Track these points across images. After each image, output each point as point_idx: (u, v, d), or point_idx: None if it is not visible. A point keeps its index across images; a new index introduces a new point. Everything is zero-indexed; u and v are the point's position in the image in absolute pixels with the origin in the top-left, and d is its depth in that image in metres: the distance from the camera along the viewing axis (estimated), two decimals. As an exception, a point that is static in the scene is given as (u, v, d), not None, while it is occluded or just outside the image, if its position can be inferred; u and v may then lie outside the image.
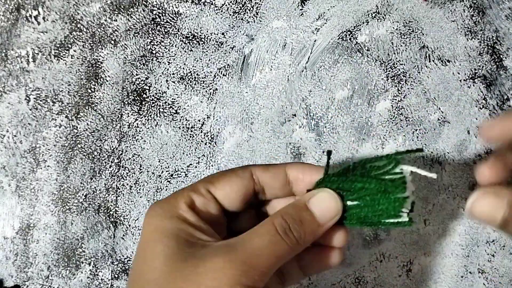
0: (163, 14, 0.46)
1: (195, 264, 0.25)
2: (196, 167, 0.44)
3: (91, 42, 0.46)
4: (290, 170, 0.31)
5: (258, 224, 0.28)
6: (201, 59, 0.45)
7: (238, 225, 0.32)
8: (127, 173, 0.44)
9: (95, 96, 0.45)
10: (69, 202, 0.44)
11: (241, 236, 0.27)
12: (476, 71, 0.43)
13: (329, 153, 0.31)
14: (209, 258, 0.25)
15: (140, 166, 0.44)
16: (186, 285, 0.25)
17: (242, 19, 0.45)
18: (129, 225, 0.43)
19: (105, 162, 0.44)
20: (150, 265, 0.26)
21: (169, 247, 0.26)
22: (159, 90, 0.45)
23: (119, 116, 0.45)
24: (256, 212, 0.33)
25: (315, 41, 0.45)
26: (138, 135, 0.44)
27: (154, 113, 0.45)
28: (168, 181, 0.44)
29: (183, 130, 0.44)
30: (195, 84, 0.45)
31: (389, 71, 0.44)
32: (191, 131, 0.44)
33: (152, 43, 0.45)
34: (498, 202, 0.27)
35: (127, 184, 0.44)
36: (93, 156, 0.44)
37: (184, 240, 0.27)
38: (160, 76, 0.45)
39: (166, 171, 0.44)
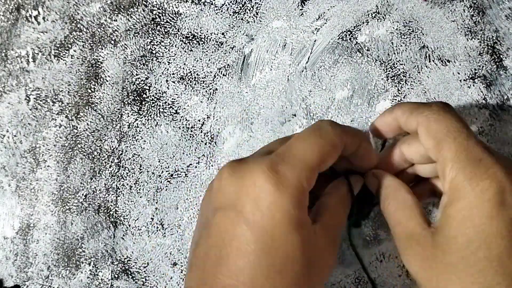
0: (163, 14, 0.46)
1: (319, 257, 0.30)
2: (196, 167, 0.44)
3: (91, 42, 0.46)
4: (362, 150, 0.34)
5: (331, 206, 0.33)
6: (201, 59, 0.45)
7: None
8: (127, 173, 0.44)
9: (95, 96, 0.45)
10: (69, 202, 0.44)
11: (328, 223, 0.32)
12: (476, 71, 0.43)
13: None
14: (322, 251, 0.31)
15: (140, 166, 0.44)
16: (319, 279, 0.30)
17: (242, 19, 0.45)
18: (129, 225, 0.43)
19: (105, 162, 0.44)
20: (292, 257, 0.29)
21: (303, 240, 0.29)
22: (159, 90, 0.45)
23: (119, 116, 0.45)
24: None
25: (315, 41, 0.45)
26: (138, 135, 0.44)
27: (154, 113, 0.45)
28: (168, 181, 0.44)
29: (183, 130, 0.44)
30: (195, 84, 0.45)
31: (389, 71, 0.44)
32: (191, 131, 0.44)
33: (152, 43, 0.45)
34: (374, 179, 0.36)
35: (127, 184, 0.44)
36: (93, 156, 0.44)
37: (308, 230, 0.30)
38: (160, 76, 0.45)
39: (166, 171, 0.44)
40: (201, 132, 0.44)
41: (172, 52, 0.45)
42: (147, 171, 0.44)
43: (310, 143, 0.31)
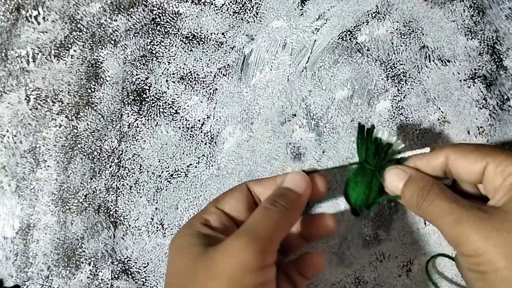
0: (163, 14, 0.46)
1: (212, 254, 0.30)
2: (196, 167, 0.44)
3: (91, 42, 0.46)
4: (280, 182, 0.36)
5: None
6: (201, 59, 0.45)
7: None
8: (127, 173, 0.44)
9: (95, 96, 0.45)
10: (69, 202, 0.44)
11: (244, 223, 0.32)
12: (476, 71, 0.43)
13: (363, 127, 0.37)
14: (222, 245, 0.30)
15: (140, 166, 0.44)
16: (207, 271, 0.29)
17: (242, 19, 0.45)
18: (129, 225, 0.43)
19: (105, 162, 0.44)
20: (175, 273, 0.31)
21: (189, 253, 0.31)
22: (159, 90, 0.45)
23: (119, 116, 0.45)
24: None
25: (315, 41, 0.45)
26: (138, 135, 0.44)
27: (154, 113, 0.45)
28: (168, 181, 0.44)
29: (183, 130, 0.44)
30: (195, 84, 0.45)
31: (389, 71, 0.44)
32: (191, 131, 0.44)
33: (152, 43, 0.45)
34: (401, 174, 0.34)
35: (127, 184, 0.44)
36: (93, 156, 0.44)
37: (202, 244, 0.31)
38: (160, 76, 0.45)
39: (166, 171, 0.44)
40: (201, 132, 0.44)
41: (172, 52, 0.45)
42: (147, 171, 0.44)
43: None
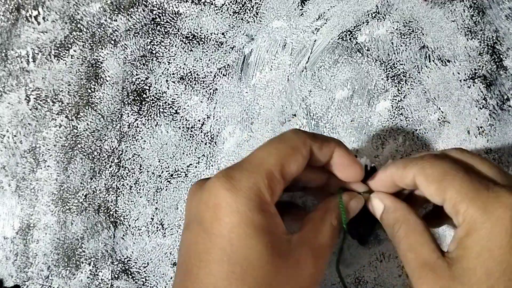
0: (163, 14, 0.46)
1: (293, 266, 0.29)
2: (196, 167, 0.44)
3: (91, 42, 0.46)
4: (337, 157, 0.34)
5: (316, 219, 0.32)
6: (201, 59, 0.45)
7: None
8: (127, 173, 0.44)
9: (95, 96, 0.45)
10: (69, 202, 0.44)
11: (309, 234, 0.31)
12: (476, 71, 0.43)
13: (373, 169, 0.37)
14: (299, 260, 0.29)
15: (140, 166, 0.44)
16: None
17: (242, 19, 0.45)
18: (129, 225, 0.43)
19: (105, 162, 0.44)
20: (254, 262, 0.28)
21: (267, 245, 0.28)
22: (159, 90, 0.45)
23: (119, 116, 0.45)
24: None
25: (315, 41, 0.45)
26: (138, 135, 0.44)
27: (154, 113, 0.45)
28: (168, 181, 0.44)
29: (183, 130, 0.44)
30: (195, 84, 0.45)
31: (389, 71, 0.44)
32: (191, 131, 0.44)
33: (152, 43, 0.45)
34: (377, 204, 0.34)
35: (127, 184, 0.44)
36: (93, 156, 0.44)
37: (276, 237, 0.29)
38: (160, 76, 0.45)
39: (166, 171, 0.44)
40: (201, 132, 0.44)
41: (172, 52, 0.45)
42: (147, 171, 0.44)
43: (268, 148, 0.31)
